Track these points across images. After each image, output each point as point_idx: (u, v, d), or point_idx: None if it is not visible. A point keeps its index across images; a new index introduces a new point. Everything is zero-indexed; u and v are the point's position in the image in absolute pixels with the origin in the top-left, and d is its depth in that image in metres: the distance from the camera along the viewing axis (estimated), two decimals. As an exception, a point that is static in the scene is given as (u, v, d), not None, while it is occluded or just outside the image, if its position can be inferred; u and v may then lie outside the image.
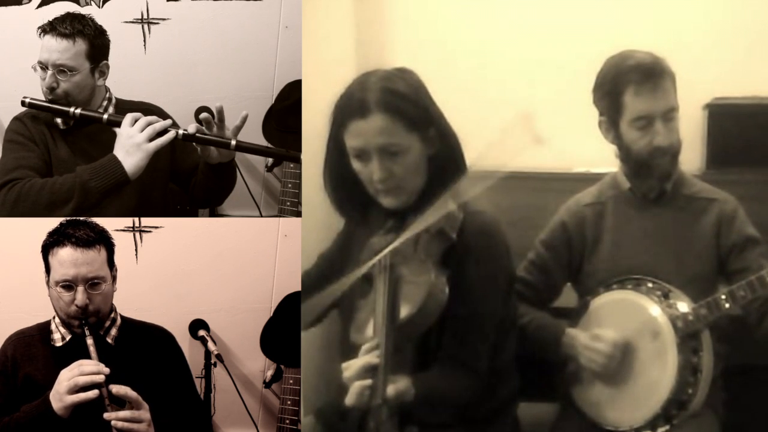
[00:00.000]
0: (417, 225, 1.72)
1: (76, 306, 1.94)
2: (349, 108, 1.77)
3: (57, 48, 2.16)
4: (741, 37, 2.60)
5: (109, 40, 2.27)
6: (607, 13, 2.64)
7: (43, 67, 2.19)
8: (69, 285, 1.95)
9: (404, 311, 1.71)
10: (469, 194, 1.78)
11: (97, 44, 2.22)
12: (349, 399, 1.65)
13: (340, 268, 1.89)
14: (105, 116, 2.17)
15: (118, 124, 2.12)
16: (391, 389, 1.65)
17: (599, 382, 2.01)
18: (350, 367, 1.67)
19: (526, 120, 1.68)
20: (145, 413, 1.87)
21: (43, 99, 2.20)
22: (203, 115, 2.17)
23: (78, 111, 2.17)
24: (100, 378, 1.84)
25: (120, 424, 1.83)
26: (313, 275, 2.07)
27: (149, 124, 2.10)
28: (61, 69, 2.17)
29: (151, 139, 2.08)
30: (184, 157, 2.36)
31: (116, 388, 1.84)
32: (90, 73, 2.23)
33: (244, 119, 2.17)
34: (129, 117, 2.11)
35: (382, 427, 1.61)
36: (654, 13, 2.61)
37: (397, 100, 1.75)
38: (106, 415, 1.82)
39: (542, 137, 1.66)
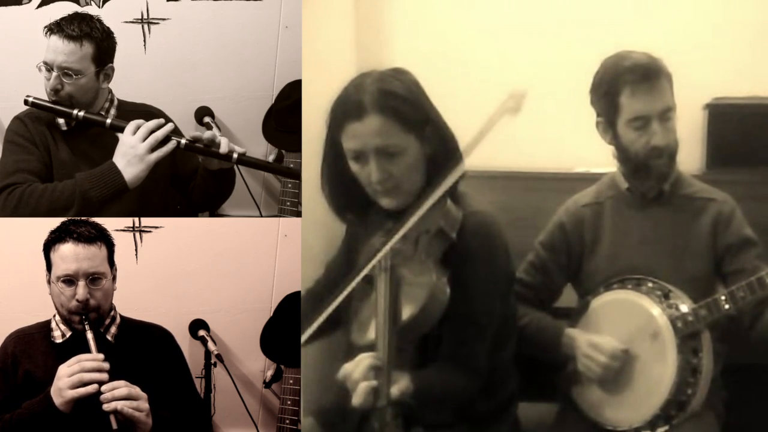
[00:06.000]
0: (411, 222, 1.72)
1: (77, 301, 1.95)
2: (345, 110, 1.77)
3: (63, 50, 2.14)
4: (741, 36, 2.60)
5: (115, 43, 2.25)
6: (605, 13, 2.64)
7: (48, 68, 2.16)
8: (70, 280, 1.96)
9: (406, 312, 1.71)
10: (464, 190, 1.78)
11: (103, 47, 2.20)
12: (356, 399, 1.63)
13: (345, 273, 1.88)
14: (108, 120, 2.16)
15: (121, 130, 2.11)
16: (394, 390, 1.65)
17: (599, 382, 2.01)
18: (355, 369, 1.66)
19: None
20: (143, 403, 1.87)
21: (46, 99, 2.19)
22: (206, 118, 2.16)
23: (81, 114, 2.15)
24: (104, 377, 1.85)
25: (114, 404, 1.82)
26: (320, 284, 2.06)
27: (151, 132, 2.08)
28: (66, 72, 2.15)
29: (153, 149, 2.07)
30: (184, 161, 2.35)
31: (109, 394, 1.83)
32: (95, 76, 2.21)
33: None
34: (132, 125, 2.09)
35: (386, 428, 1.61)
36: (653, 13, 2.61)
37: (393, 101, 1.75)
38: (102, 397, 1.82)
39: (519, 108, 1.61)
